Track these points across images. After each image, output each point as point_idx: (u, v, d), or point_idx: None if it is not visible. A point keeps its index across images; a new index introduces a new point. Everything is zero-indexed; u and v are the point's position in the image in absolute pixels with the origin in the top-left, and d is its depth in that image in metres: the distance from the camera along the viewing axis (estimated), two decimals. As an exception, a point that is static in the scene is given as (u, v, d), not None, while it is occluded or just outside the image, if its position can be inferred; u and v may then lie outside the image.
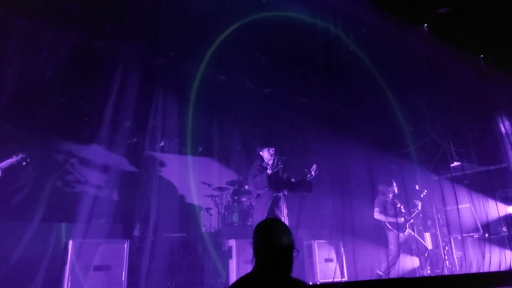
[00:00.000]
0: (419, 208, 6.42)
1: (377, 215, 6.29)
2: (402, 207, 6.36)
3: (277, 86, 7.24)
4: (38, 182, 4.88)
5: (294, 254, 1.82)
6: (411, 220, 6.35)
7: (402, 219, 6.21)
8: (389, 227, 6.21)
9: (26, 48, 5.02)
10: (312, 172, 4.78)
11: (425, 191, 6.72)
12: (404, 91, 7.56)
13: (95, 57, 5.69)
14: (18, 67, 4.98)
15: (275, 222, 1.98)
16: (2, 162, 4.32)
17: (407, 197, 6.60)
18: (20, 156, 4.52)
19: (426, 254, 6.19)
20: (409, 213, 6.35)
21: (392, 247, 6.12)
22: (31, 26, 5.17)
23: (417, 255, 6.28)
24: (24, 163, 4.51)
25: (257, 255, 1.83)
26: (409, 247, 6.44)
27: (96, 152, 5.87)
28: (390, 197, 6.41)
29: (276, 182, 4.55)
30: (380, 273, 6.09)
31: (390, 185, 6.44)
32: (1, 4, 4.90)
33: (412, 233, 6.27)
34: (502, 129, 8.16)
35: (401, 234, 6.13)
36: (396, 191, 6.44)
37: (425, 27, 7.55)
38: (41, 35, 5.25)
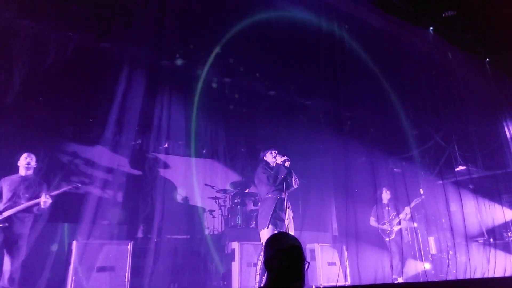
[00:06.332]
0: (406, 215, 6.63)
1: (372, 223, 6.66)
2: (393, 215, 6.60)
3: (282, 88, 7.23)
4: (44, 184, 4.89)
5: (305, 266, 1.83)
6: (398, 227, 6.50)
7: (388, 225, 6.50)
8: (381, 234, 6.52)
9: (32, 49, 5.05)
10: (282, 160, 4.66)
11: (419, 199, 6.85)
12: (409, 94, 7.53)
13: (101, 58, 5.71)
14: (24, 68, 5.01)
15: (285, 236, 1.99)
16: (55, 191, 4.50)
17: (409, 201, 6.63)
18: (73, 185, 4.68)
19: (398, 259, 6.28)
20: (395, 219, 6.55)
21: (394, 251, 6.31)
22: (38, 27, 5.20)
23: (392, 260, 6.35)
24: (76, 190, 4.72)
25: (269, 269, 1.83)
26: (412, 251, 6.53)
27: (101, 153, 5.89)
28: (385, 204, 6.67)
29: (283, 185, 4.55)
30: (395, 276, 6.14)
31: (382, 192, 6.73)
32: (8, 5, 4.93)
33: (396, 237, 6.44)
34: (508, 133, 8.10)
35: (386, 239, 6.44)
36: (387, 197, 6.70)
37: (430, 30, 7.52)
38: (47, 36, 5.27)
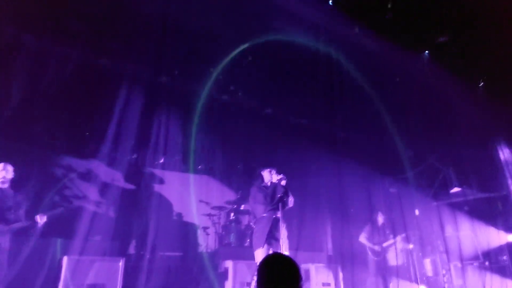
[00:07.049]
0: (395, 243, 6.65)
1: (362, 239, 6.58)
2: (385, 239, 6.62)
3: (278, 107, 7.31)
4: (37, 197, 4.87)
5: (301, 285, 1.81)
6: (388, 250, 6.54)
7: (378, 247, 6.46)
8: (369, 252, 6.46)
9: (33, 64, 5.12)
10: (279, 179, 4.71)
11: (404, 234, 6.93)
12: (404, 116, 7.62)
13: (100, 75, 5.78)
14: (24, 82, 5.07)
15: (280, 259, 1.95)
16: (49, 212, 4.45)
17: (404, 224, 6.63)
18: (61, 209, 4.64)
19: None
20: (386, 242, 6.56)
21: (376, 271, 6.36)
22: (39, 44, 5.29)
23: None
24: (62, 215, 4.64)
25: None
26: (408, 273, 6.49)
27: (96, 168, 5.89)
28: (379, 227, 6.64)
29: (279, 204, 4.54)
30: None
31: (377, 215, 6.73)
32: (10, 21, 5.02)
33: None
34: (502, 157, 8.16)
35: (374, 258, 6.42)
36: (382, 221, 6.69)
37: (425, 54, 7.68)
38: (47, 52, 5.36)
